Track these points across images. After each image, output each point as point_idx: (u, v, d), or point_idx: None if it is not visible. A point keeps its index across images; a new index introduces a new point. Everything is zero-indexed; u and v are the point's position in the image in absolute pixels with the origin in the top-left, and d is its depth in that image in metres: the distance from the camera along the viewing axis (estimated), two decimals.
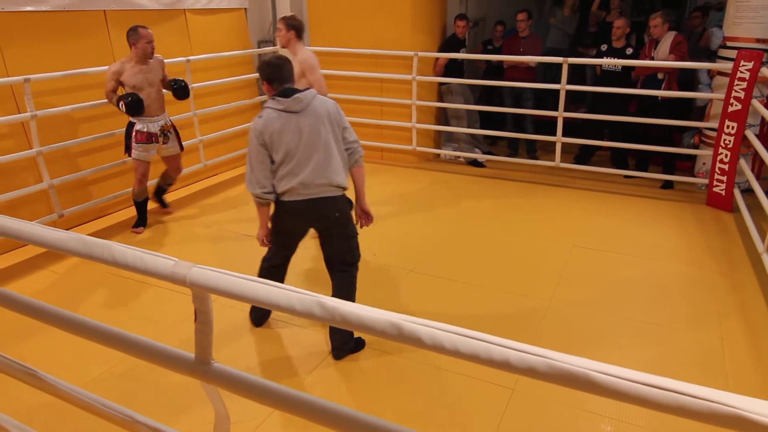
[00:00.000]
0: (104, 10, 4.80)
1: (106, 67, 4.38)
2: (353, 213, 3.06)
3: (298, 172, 2.73)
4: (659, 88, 5.37)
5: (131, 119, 4.42)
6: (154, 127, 4.46)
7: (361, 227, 3.08)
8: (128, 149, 4.48)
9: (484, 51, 6.64)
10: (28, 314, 1.55)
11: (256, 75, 6.46)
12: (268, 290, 1.12)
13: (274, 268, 3.14)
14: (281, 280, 3.13)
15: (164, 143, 4.56)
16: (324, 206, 2.83)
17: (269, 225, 2.97)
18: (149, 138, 4.44)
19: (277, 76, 2.75)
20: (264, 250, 3.17)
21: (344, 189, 2.88)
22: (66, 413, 2.43)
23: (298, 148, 2.71)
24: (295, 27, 4.07)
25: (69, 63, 4.49)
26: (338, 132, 2.83)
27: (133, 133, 4.41)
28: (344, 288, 3.02)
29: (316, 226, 2.97)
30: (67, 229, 1.54)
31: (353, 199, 3.07)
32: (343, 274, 3.03)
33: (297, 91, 2.74)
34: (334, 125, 2.80)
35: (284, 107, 2.69)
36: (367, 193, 3.11)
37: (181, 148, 4.77)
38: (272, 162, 2.77)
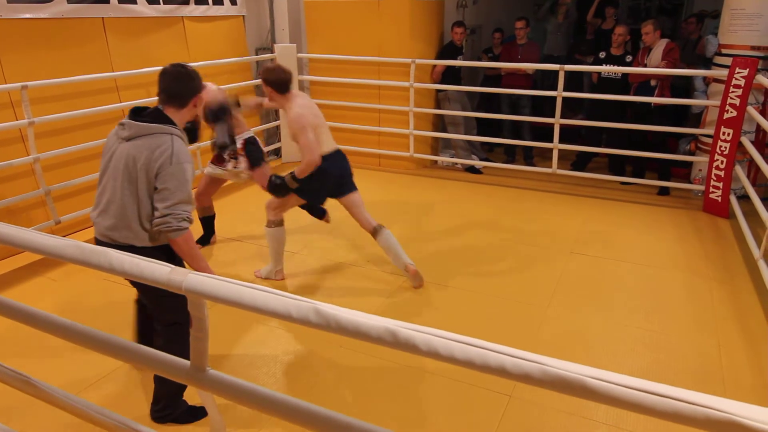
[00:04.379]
0: (102, 18, 4.81)
1: (104, 75, 4.38)
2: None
3: (98, 204, 2.30)
4: (652, 95, 5.40)
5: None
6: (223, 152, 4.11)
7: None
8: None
9: (485, 59, 6.69)
10: (23, 321, 1.55)
11: (254, 82, 6.48)
12: (265, 297, 1.12)
13: (138, 301, 2.77)
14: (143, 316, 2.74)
15: (234, 167, 4.15)
16: None
17: None
18: (219, 160, 4.19)
19: (159, 87, 2.33)
20: None
21: (129, 245, 2.28)
22: (61, 420, 2.42)
23: (106, 177, 2.28)
24: (270, 82, 3.48)
25: (67, 70, 4.50)
26: (143, 185, 2.21)
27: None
28: (169, 344, 2.37)
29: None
30: (63, 236, 1.54)
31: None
32: (158, 335, 2.51)
33: (149, 116, 2.26)
34: (140, 176, 2.20)
35: (117, 127, 2.28)
36: (365, 199, 3.05)
37: (254, 164, 4.13)
38: None
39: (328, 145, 3.62)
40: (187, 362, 1.37)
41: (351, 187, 3.80)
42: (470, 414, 2.64)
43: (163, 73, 2.34)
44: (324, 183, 3.65)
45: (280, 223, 3.82)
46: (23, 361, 3.02)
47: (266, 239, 3.91)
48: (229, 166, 4.11)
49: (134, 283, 2.33)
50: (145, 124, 2.22)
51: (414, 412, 2.66)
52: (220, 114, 3.68)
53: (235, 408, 2.61)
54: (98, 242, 2.29)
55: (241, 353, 3.13)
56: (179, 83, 2.33)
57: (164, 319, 2.44)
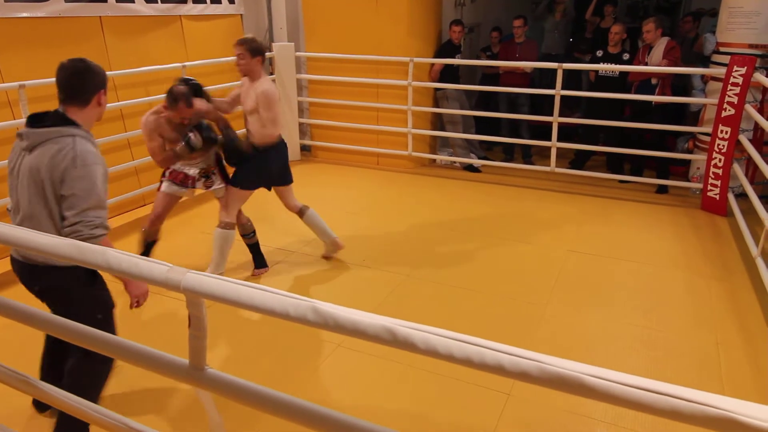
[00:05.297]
0: (100, 17, 4.80)
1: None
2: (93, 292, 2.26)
3: (13, 222, 2.11)
4: (653, 94, 5.41)
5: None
6: (191, 170, 3.71)
7: (131, 307, 2.40)
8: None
9: (484, 57, 6.69)
10: (22, 321, 1.55)
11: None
12: (262, 296, 1.12)
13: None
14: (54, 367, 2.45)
15: (208, 186, 3.77)
16: (22, 273, 2.17)
17: None
18: (184, 180, 3.71)
19: (58, 84, 2.15)
20: None
21: (56, 265, 2.07)
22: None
23: (15, 192, 2.11)
24: (261, 51, 3.54)
25: None
26: (50, 195, 2.03)
27: (168, 171, 3.72)
28: (69, 380, 2.22)
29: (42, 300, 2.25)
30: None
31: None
32: (71, 361, 2.25)
33: (47, 120, 2.08)
34: (45, 185, 2.01)
35: (17, 138, 2.10)
36: (363, 198, 3.05)
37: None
38: None
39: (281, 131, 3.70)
40: (185, 361, 1.36)
41: (289, 179, 3.91)
42: (469, 412, 2.64)
43: (61, 69, 2.14)
44: (266, 168, 3.70)
45: (232, 226, 3.75)
46: (22, 360, 3.01)
47: (214, 240, 3.75)
48: (199, 185, 3.72)
49: (46, 297, 2.20)
50: (42, 129, 2.03)
51: (413, 410, 2.67)
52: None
53: (234, 407, 2.61)
54: (15, 262, 2.14)
55: (239, 352, 3.13)
56: (79, 79, 2.13)
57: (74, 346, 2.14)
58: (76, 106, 2.12)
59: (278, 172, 3.80)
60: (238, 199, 3.75)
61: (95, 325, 1.87)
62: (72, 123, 2.09)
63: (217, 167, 3.79)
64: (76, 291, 2.18)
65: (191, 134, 3.42)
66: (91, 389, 2.25)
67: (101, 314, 2.24)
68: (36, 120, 2.09)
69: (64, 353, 2.30)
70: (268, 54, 6.52)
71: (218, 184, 3.79)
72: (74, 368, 2.24)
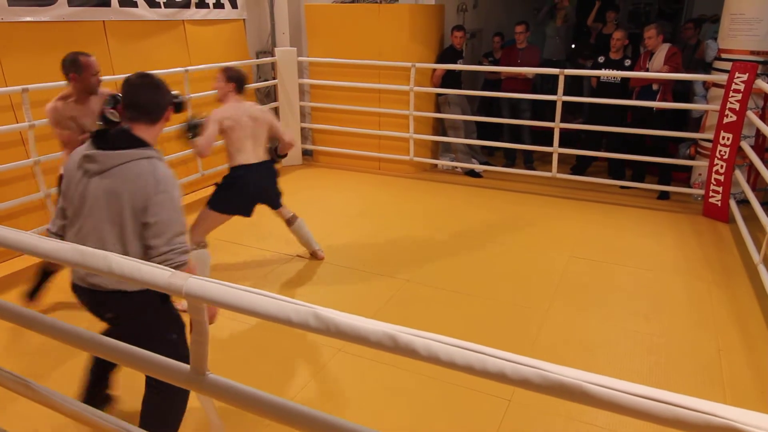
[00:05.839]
0: (103, 21, 4.82)
1: (105, 78, 4.35)
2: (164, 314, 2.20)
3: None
4: (654, 100, 5.41)
5: None
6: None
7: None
8: None
9: (486, 63, 6.71)
10: (23, 324, 1.55)
11: (255, 85, 6.49)
12: (263, 301, 1.12)
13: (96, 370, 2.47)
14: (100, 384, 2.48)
15: None
16: (91, 301, 2.08)
17: None
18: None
19: (125, 101, 2.04)
20: None
21: (120, 289, 2.00)
22: (60, 425, 2.42)
23: (76, 218, 1.99)
24: (236, 79, 3.60)
25: None
26: (129, 222, 1.94)
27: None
28: (146, 412, 2.22)
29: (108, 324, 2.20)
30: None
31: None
32: (147, 391, 2.21)
33: (118, 141, 1.97)
34: (125, 211, 1.92)
35: (80, 160, 1.97)
36: (364, 203, 3.04)
37: None
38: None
39: (251, 157, 3.61)
40: (186, 366, 1.36)
41: (277, 204, 3.90)
42: (470, 418, 2.63)
43: (130, 86, 2.03)
44: (240, 194, 3.63)
45: (204, 245, 3.65)
46: (22, 364, 3.01)
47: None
48: None
49: (114, 322, 2.10)
50: (115, 152, 1.92)
51: (413, 416, 2.66)
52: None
53: (236, 413, 2.60)
54: (80, 290, 2.04)
55: (241, 357, 3.13)
56: (153, 94, 2.04)
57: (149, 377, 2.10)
58: (144, 123, 2.02)
59: (260, 196, 3.73)
60: (206, 219, 3.63)
61: (171, 345, 2.03)
62: (142, 143, 1.99)
63: None
64: (150, 314, 2.11)
65: (106, 109, 3.04)
66: (172, 424, 2.22)
67: (175, 333, 2.17)
68: (101, 139, 1.97)
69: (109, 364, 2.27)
70: (270, 58, 6.55)
71: None
72: (152, 408, 2.18)
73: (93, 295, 2.02)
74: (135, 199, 1.90)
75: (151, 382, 2.16)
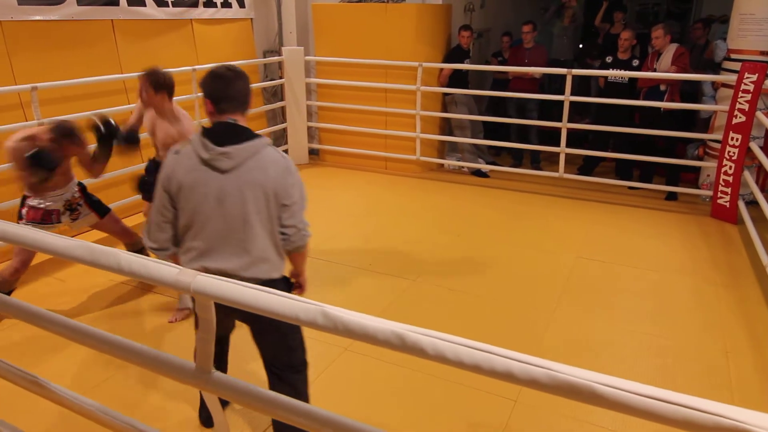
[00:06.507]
0: (112, 20, 4.84)
1: (113, 76, 4.40)
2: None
3: (207, 253, 2.01)
4: (662, 100, 5.38)
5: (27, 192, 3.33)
6: (56, 202, 3.38)
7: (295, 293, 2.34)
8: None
9: (495, 62, 6.71)
10: (30, 322, 1.56)
11: (262, 84, 6.50)
12: (272, 299, 1.12)
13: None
14: (221, 365, 2.43)
15: (74, 219, 3.49)
16: None
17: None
18: (49, 216, 3.37)
19: (218, 96, 2.02)
20: None
21: (268, 280, 2.07)
22: (68, 421, 2.43)
23: (210, 220, 1.98)
24: (166, 86, 3.14)
25: (76, 72, 4.53)
26: (273, 209, 2.01)
27: (24, 210, 3.33)
28: (296, 395, 2.18)
29: (240, 319, 2.23)
30: (72, 237, 1.54)
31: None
32: (278, 380, 2.22)
33: (237, 135, 1.99)
34: (269, 199, 1.99)
35: (207, 159, 1.95)
36: (371, 202, 3.02)
37: (102, 212, 3.60)
38: (176, 219, 2.05)
39: None
40: (192, 364, 1.37)
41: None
42: (476, 418, 2.63)
43: (221, 78, 2.03)
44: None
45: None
46: (30, 361, 3.03)
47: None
48: (65, 219, 3.45)
49: (251, 319, 2.10)
50: (244, 145, 1.97)
51: (419, 415, 2.66)
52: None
53: (240, 410, 2.61)
54: None
55: (246, 355, 3.13)
56: (242, 87, 2.07)
57: (288, 359, 2.20)
58: (240, 113, 2.06)
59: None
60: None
61: (299, 332, 2.20)
62: (253, 132, 2.04)
63: (82, 196, 3.51)
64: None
65: (35, 149, 3.01)
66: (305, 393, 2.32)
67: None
68: (215, 134, 1.98)
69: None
70: (277, 57, 6.56)
71: (85, 213, 3.53)
72: (295, 384, 2.24)
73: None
74: (276, 185, 1.98)
75: (274, 371, 2.22)
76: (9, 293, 3.36)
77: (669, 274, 4.06)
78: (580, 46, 8.25)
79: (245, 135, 2.00)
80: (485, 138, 6.52)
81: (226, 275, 1.89)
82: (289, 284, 2.22)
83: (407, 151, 6.45)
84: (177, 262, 2.07)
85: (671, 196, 5.62)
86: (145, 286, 3.83)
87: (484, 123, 6.56)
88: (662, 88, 5.42)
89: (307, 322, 1.07)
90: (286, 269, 2.18)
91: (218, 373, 1.34)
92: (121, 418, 1.56)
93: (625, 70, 5.64)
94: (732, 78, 4.86)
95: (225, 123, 2.01)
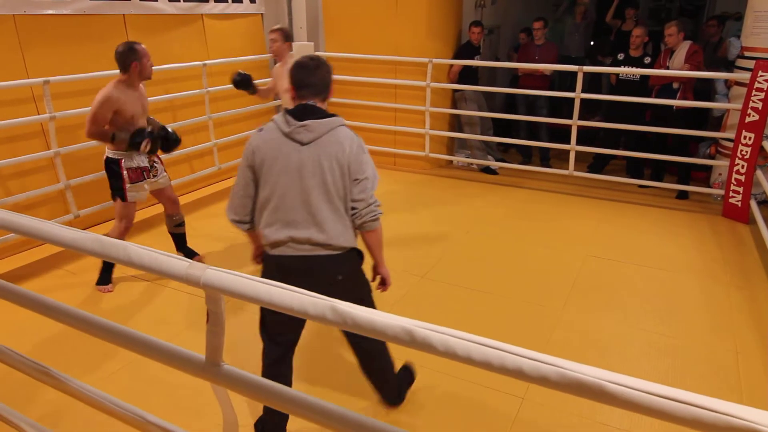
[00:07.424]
0: (123, 15, 4.86)
1: None
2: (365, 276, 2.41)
3: (289, 221, 2.12)
4: (674, 98, 5.33)
5: (114, 155, 3.60)
6: (144, 160, 3.70)
7: (379, 290, 2.50)
8: (120, 192, 3.63)
9: (514, 57, 6.70)
10: (42, 312, 1.57)
11: (271, 79, 6.49)
12: (281, 293, 1.12)
13: (273, 365, 2.41)
14: (286, 379, 2.43)
15: (155, 176, 3.78)
16: (318, 266, 2.16)
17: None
18: (142, 174, 3.69)
19: (300, 83, 2.19)
20: None
21: (345, 248, 2.20)
22: (77, 411, 2.45)
23: (291, 189, 2.10)
24: (291, 37, 4.30)
25: (88, 66, 4.55)
26: (347, 183, 2.15)
27: (124, 173, 3.60)
28: (368, 363, 2.49)
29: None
30: (83, 229, 1.56)
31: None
32: (358, 347, 2.44)
33: (315, 113, 2.14)
34: (344, 173, 2.13)
35: (289, 132, 2.11)
36: (379, 198, 3.00)
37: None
38: (258, 192, 2.20)
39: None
40: (201, 356, 1.37)
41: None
42: (483, 416, 2.63)
43: (305, 68, 2.19)
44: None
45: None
46: (41, 351, 3.06)
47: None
48: (149, 176, 3.74)
49: (333, 288, 2.11)
50: (323, 120, 2.12)
51: (427, 412, 2.66)
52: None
53: (250, 403, 2.62)
54: (311, 259, 2.14)
55: (256, 349, 3.14)
56: (325, 75, 2.22)
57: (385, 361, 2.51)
58: (320, 99, 2.21)
59: None
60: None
61: (369, 301, 2.37)
62: (330, 113, 2.19)
63: (157, 156, 3.85)
64: (360, 270, 2.34)
65: (144, 142, 3.54)
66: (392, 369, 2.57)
67: (369, 287, 2.41)
68: (297, 113, 2.13)
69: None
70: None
71: (161, 171, 3.85)
72: (376, 369, 2.53)
73: (327, 260, 2.15)
74: (351, 160, 2.12)
75: (360, 346, 2.43)
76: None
77: (679, 273, 4.03)
78: (592, 43, 8.19)
79: (322, 113, 2.16)
80: (495, 135, 6.49)
81: (311, 243, 2.14)
82: (360, 255, 2.31)
83: (416, 148, 6.44)
84: (254, 237, 2.35)
85: (682, 195, 5.57)
86: (153, 277, 3.85)
87: (495, 120, 6.53)
88: (675, 86, 5.37)
89: (316, 316, 1.07)
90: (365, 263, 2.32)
91: (228, 366, 1.35)
92: (131, 409, 1.57)
93: (636, 67, 5.60)
94: (745, 76, 4.81)
95: (305, 104, 2.16)
